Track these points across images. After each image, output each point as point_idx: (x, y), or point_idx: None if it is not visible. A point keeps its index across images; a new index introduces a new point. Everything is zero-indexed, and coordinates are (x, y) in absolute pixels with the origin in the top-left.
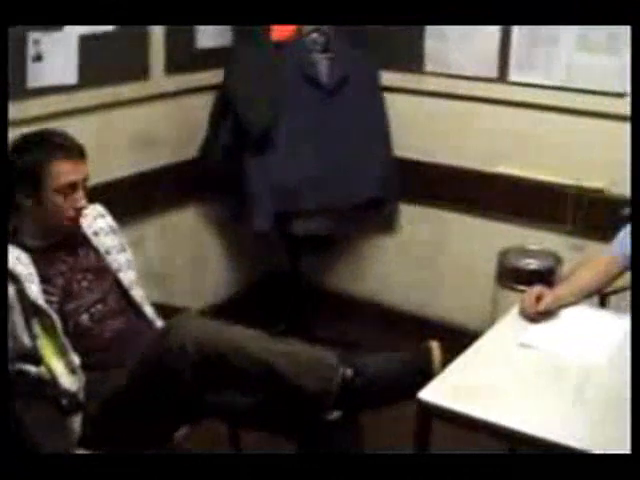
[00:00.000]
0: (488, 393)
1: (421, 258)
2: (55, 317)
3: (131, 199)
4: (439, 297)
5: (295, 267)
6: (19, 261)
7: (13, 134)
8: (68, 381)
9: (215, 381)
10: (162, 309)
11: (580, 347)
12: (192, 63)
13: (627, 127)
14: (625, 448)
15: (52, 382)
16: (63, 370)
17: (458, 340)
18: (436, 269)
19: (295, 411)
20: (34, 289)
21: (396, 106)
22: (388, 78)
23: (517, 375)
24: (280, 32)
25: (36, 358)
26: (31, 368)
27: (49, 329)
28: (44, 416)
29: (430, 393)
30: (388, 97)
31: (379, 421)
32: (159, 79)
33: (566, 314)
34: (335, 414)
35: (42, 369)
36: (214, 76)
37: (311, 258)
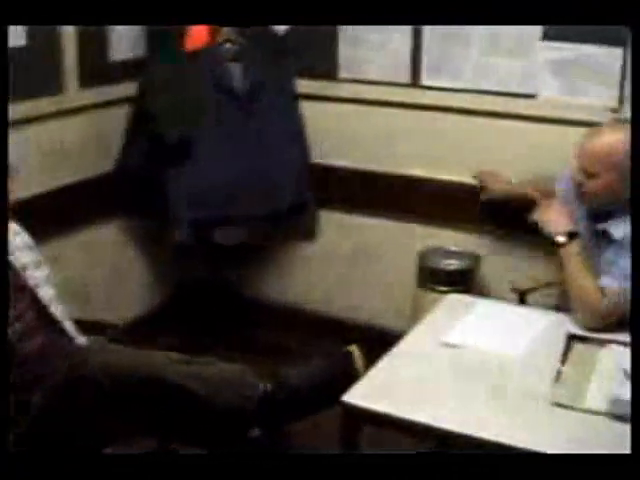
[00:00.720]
0: (411, 393)
1: (342, 263)
2: None
3: (49, 215)
4: (362, 301)
5: (218, 276)
6: None
7: None
8: None
9: (132, 408)
10: (83, 325)
11: (500, 344)
12: (106, 76)
13: (538, 127)
14: (542, 443)
15: None
16: None
17: (382, 342)
18: (358, 273)
19: (218, 430)
20: None
21: (312, 113)
22: (303, 85)
23: (439, 374)
24: (193, 41)
25: None
26: None
27: None
28: None
29: (353, 396)
30: (304, 104)
31: (313, 422)
32: (73, 93)
33: (485, 311)
34: (256, 431)
35: None
36: (129, 88)
37: (234, 267)
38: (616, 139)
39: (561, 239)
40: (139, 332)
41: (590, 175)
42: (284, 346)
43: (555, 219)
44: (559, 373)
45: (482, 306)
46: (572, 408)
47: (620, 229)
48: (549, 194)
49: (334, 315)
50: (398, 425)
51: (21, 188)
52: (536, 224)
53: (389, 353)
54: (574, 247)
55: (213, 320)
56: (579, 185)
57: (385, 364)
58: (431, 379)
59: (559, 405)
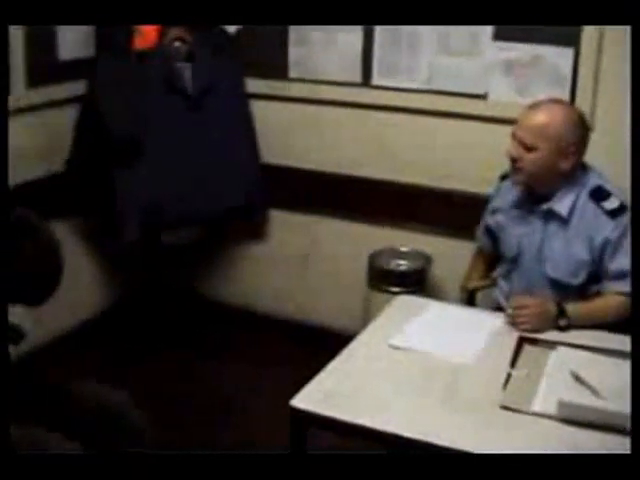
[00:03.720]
0: (360, 397)
1: (293, 263)
2: None
3: None
4: (312, 302)
5: (170, 277)
6: None
7: None
8: None
9: None
10: None
11: (449, 347)
12: (55, 75)
13: (489, 127)
14: (494, 447)
15: None
16: None
17: (334, 344)
18: (309, 274)
19: None
20: None
21: (263, 113)
22: (253, 85)
23: (388, 377)
24: (142, 41)
25: None
26: None
27: None
28: None
29: (302, 400)
30: (254, 104)
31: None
32: (21, 93)
33: (435, 313)
34: None
35: None
36: (78, 88)
37: (185, 268)
38: (554, 112)
39: (562, 323)
40: (91, 334)
41: (528, 148)
42: (236, 347)
43: (540, 323)
44: (509, 376)
45: (432, 308)
46: (520, 412)
47: (564, 205)
48: None
49: (285, 316)
50: (346, 430)
51: None
52: None
53: (338, 356)
54: (571, 309)
55: (164, 321)
56: (515, 161)
57: (333, 367)
58: (380, 383)
59: (507, 409)
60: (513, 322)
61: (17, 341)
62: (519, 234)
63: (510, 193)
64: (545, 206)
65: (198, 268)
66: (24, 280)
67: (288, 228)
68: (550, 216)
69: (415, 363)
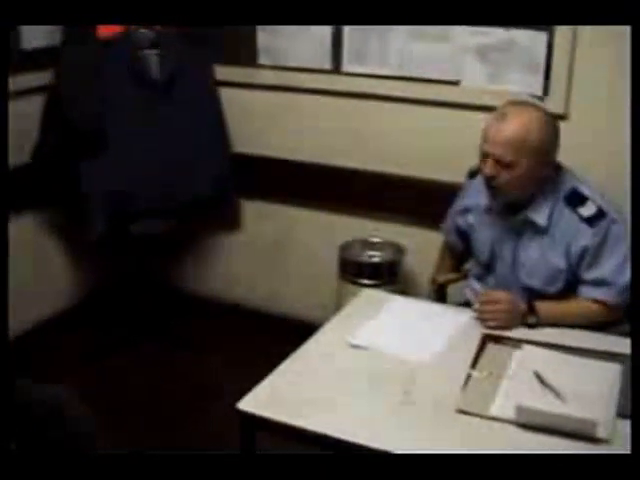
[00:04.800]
0: (310, 399)
1: (266, 254)
2: None
3: None
4: (285, 293)
5: (141, 269)
6: None
7: None
8: None
9: None
10: None
11: (409, 345)
12: (19, 64)
13: (463, 114)
14: (452, 449)
15: None
16: None
17: (305, 336)
18: (281, 265)
19: None
20: None
21: (232, 101)
22: (222, 72)
23: (343, 378)
24: (107, 28)
25: None
26: None
27: None
28: None
29: (249, 402)
30: (224, 92)
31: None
32: None
33: (399, 309)
34: None
35: None
36: (43, 77)
37: (156, 258)
38: (527, 121)
39: (531, 320)
40: (62, 327)
41: (506, 165)
42: (207, 337)
43: (509, 320)
44: (468, 378)
45: (396, 303)
46: (477, 415)
47: (542, 214)
48: None
49: (258, 307)
50: (292, 434)
51: None
52: None
53: (292, 355)
54: (543, 308)
55: (137, 312)
56: (490, 179)
57: (286, 367)
58: (333, 384)
59: (464, 413)
60: (480, 318)
61: None
62: (492, 237)
63: (482, 194)
64: (522, 216)
65: (170, 259)
66: None
67: (260, 218)
68: (526, 223)
69: (372, 363)
